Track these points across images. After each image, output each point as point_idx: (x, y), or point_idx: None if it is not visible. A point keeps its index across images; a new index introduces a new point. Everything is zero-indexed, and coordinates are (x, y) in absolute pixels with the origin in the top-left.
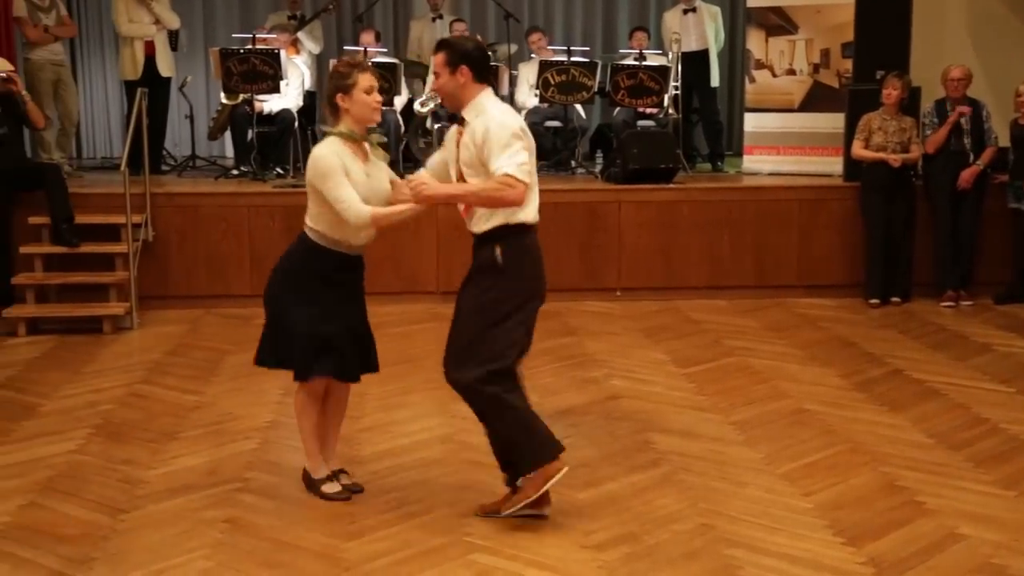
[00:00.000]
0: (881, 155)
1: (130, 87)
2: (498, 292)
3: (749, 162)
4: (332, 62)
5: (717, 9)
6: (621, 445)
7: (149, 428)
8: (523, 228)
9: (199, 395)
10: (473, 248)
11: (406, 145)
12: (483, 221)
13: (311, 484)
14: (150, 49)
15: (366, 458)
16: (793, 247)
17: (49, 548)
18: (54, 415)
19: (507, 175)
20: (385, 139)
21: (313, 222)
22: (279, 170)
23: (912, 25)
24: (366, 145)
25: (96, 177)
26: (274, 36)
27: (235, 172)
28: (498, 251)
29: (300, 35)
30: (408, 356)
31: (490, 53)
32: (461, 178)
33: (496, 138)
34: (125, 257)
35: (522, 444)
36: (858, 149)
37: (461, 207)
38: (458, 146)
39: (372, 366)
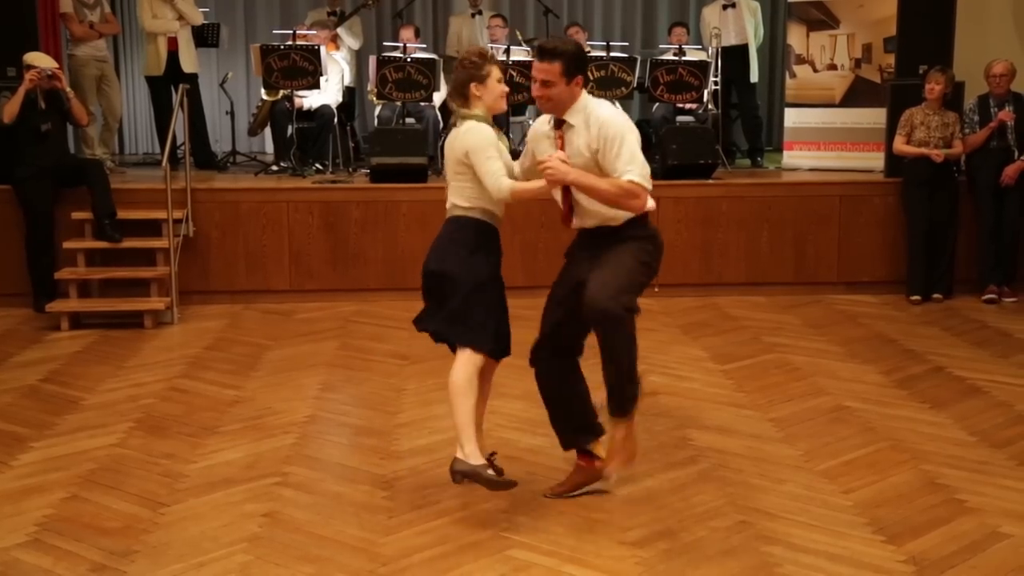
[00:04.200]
0: (923, 151)
1: (153, 83)
2: (649, 258)
3: (789, 158)
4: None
5: (757, 4)
6: (659, 442)
7: (189, 422)
8: (647, 215)
9: (238, 390)
10: (592, 237)
11: (444, 141)
12: (611, 219)
13: (471, 473)
14: (173, 45)
15: (403, 453)
16: (833, 243)
17: (91, 541)
18: (96, 409)
19: (633, 183)
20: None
21: (473, 201)
22: (318, 166)
23: (956, 19)
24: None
25: (138, 173)
26: (314, 32)
27: (275, 168)
28: (641, 236)
29: (340, 31)
30: (446, 351)
31: (528, 49)
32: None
33: (615, 140)
34: (166, 252)
35: (626, 386)
36: (900, 144)
37: (562, 206)
38: (561, 149)
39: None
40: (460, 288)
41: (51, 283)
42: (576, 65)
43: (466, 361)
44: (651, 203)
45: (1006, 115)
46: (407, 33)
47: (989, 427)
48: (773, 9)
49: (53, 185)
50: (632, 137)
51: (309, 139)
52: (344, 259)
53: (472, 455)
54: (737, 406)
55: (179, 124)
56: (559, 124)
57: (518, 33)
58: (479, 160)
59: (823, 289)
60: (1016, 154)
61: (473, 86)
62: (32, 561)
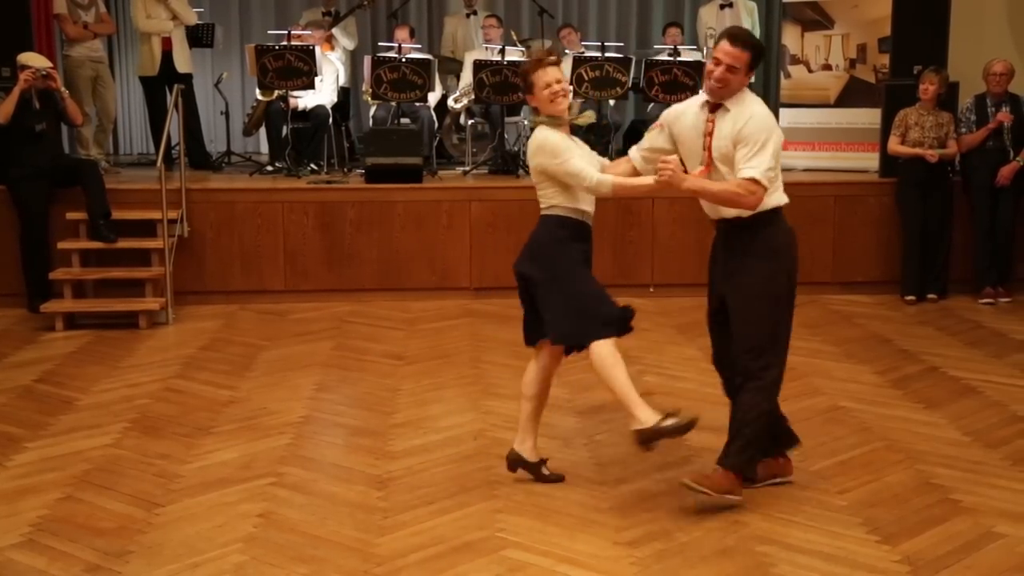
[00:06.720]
0: (918, 151)
1: (148, 84)
2: (784, 279)
3: (784, 158)
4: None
5: (754, 4)
6: None
7: (184, 423)
8: (781, 210)
9: (233, 390)
10: (728, 232)
11: (439, 141)
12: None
13: (651, 435)
14: (167, 45)
15: (398, 453)
16: (828, 243)
17: (86, 541)
18: (90, 409)
19: (751, 179)
20: (592, 115)
21: (552, 200)
22: (313, 166)
23: (950, 19)
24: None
25: (133, 173)
26: (309, 32)
27: (270, 168)
28: (776, 236)
29: (335, 31)
30: (441, 352)
31: (523, 49)
32: (709, 164)
33: (753, 134)
34: (161, 253)
35: (741, 449)
36: (894, 145)
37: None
38: (709, 135)
39: None
40: (563, 288)
41: (46, 283)
42: (758, 61)
43: (599, 347)
44: (784, 198)
45: (1005, 116)
46: (402, 33)
47: (984, 427)
48: (768, 9)
49: (48, 185)
50: (769, 141)
51: (304, 139)
52: (339, 259)
53: (647, 418)
54: None
55: (174, 124)
56: (714, 108)
57: (513, 33)
58: (558, 167)
59: (818, 289)
60: (1011, 155)
61: (528, 98)
62: (27, 562)
